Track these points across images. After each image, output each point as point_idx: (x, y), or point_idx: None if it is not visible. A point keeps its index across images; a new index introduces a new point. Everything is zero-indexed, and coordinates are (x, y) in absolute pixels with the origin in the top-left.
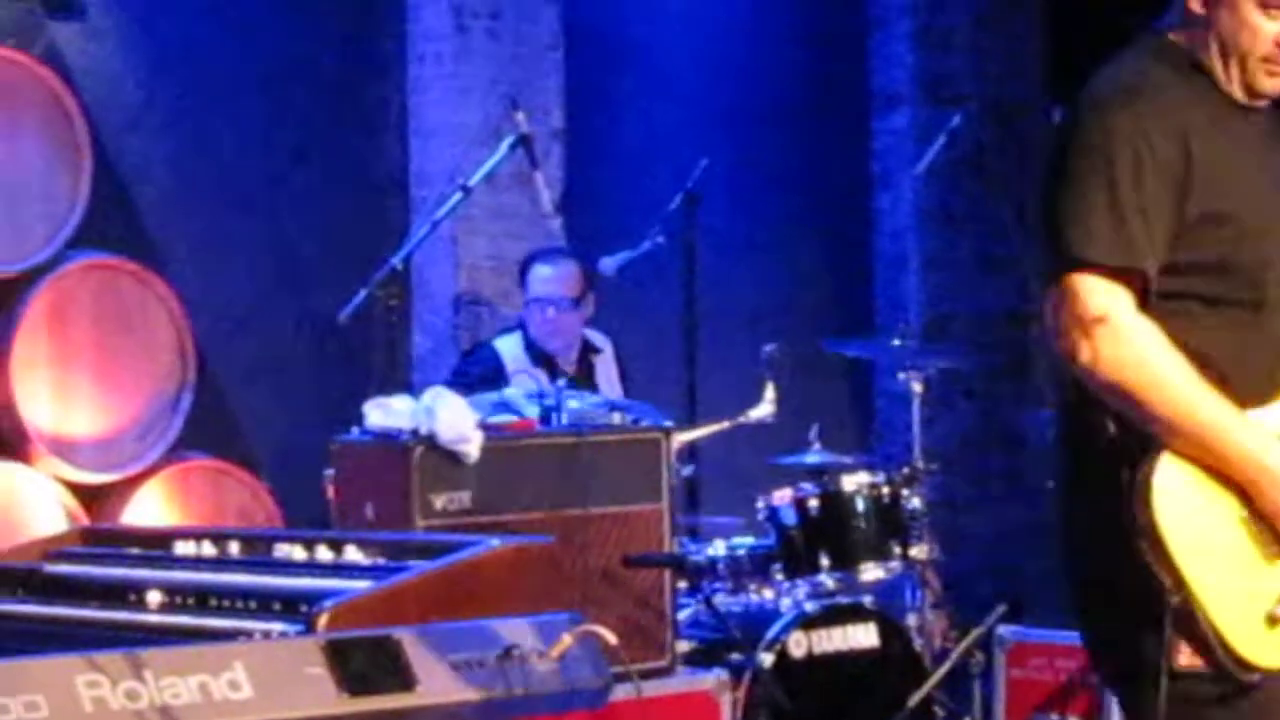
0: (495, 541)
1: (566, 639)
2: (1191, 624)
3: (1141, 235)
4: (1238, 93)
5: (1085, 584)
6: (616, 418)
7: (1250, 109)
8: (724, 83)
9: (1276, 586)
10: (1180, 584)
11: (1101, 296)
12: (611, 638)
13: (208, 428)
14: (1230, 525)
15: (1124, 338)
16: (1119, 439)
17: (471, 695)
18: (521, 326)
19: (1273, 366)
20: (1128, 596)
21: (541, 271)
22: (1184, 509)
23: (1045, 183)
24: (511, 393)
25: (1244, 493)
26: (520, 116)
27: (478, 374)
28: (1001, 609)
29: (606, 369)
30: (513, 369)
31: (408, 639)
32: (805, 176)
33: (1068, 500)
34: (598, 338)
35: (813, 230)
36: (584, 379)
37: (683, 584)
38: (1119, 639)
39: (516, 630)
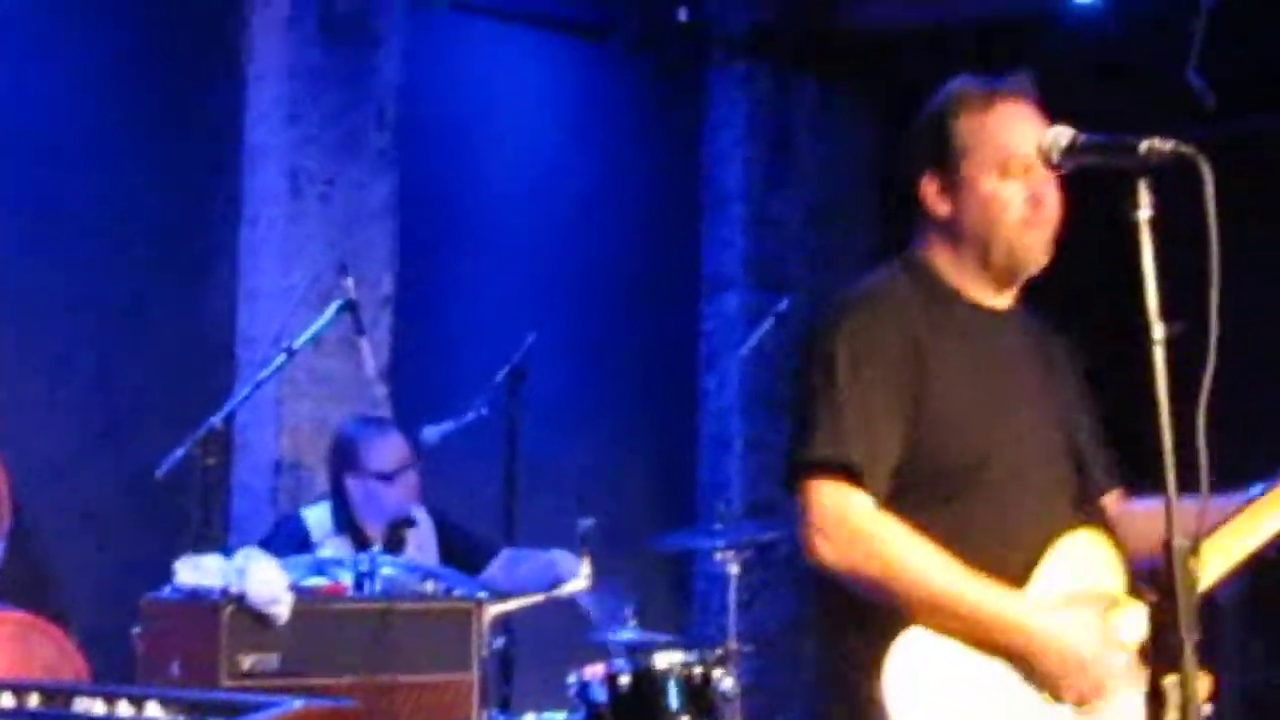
0: (299, 703)
1: None
2: None
3: (861, 434)
4: (1003, 281)
5: None
6: (430, 586)
7: (997, 316)
8: (557, 258)
9: None
10: None
11: (831, 497)
12: None
13: (20, 580)
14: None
15: (859, 534)
16: (858, 636)
17: None
18: (335, 497)
19: (1004, 556)
20: None
21: (387, 443)
22: (922, 697)
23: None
24: (326, 555)
25: (1002, 669)
26: (349, 282)
27: (282, 544)
28: None
29: (422, 542)
30: (318, 539)
31: None
32: (633, 354)
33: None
34: (415, 510)
35: (639, 409)
36: (393, 549)
37: None
38: None
39: None
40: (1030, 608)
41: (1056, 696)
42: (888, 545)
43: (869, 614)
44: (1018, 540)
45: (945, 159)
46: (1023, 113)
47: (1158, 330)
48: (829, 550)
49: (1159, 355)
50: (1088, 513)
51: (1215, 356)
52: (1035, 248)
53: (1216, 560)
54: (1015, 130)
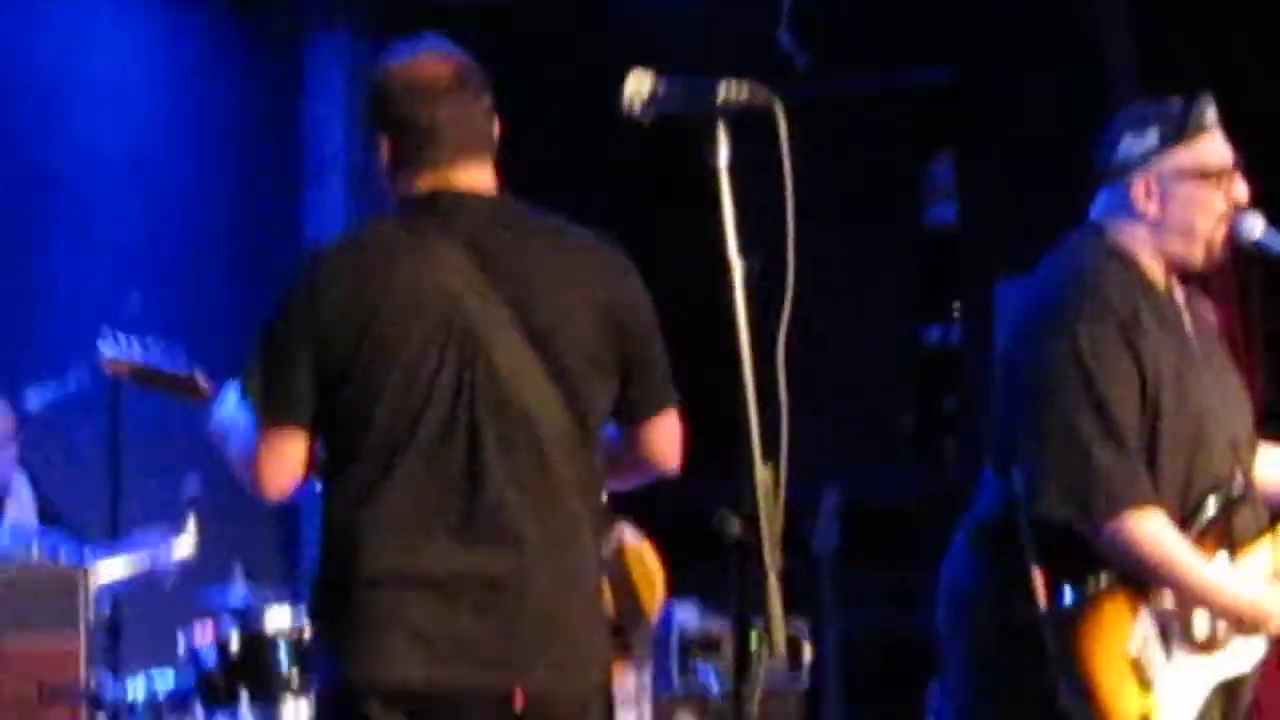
0: None
1: None
2: None
3: None
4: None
5: None
6: (35, 550)
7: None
8: (158, 221)
9: None
10: None
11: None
12: None
13: None
14: None
15: None
16: None
17: None
18: None
19: None
20: None
21: None
22: None
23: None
24: None
25: None
26: None
27: None
28: None
29: (20, 508)
30: None
31: None
32: (239, 316)
33: None
34: (15, 476)
35: None
36: None
37: None
38: None
39: None
40: None
41: None
42: None
43: None
44: None
45: None
46: None
47: (737, 272)
48: None
49: (739, 295)
50: None
51: (792, 295)
52: None
53: None
54: None
